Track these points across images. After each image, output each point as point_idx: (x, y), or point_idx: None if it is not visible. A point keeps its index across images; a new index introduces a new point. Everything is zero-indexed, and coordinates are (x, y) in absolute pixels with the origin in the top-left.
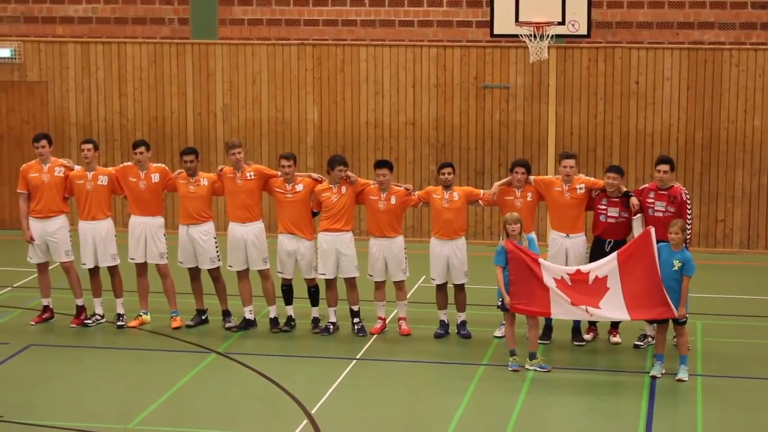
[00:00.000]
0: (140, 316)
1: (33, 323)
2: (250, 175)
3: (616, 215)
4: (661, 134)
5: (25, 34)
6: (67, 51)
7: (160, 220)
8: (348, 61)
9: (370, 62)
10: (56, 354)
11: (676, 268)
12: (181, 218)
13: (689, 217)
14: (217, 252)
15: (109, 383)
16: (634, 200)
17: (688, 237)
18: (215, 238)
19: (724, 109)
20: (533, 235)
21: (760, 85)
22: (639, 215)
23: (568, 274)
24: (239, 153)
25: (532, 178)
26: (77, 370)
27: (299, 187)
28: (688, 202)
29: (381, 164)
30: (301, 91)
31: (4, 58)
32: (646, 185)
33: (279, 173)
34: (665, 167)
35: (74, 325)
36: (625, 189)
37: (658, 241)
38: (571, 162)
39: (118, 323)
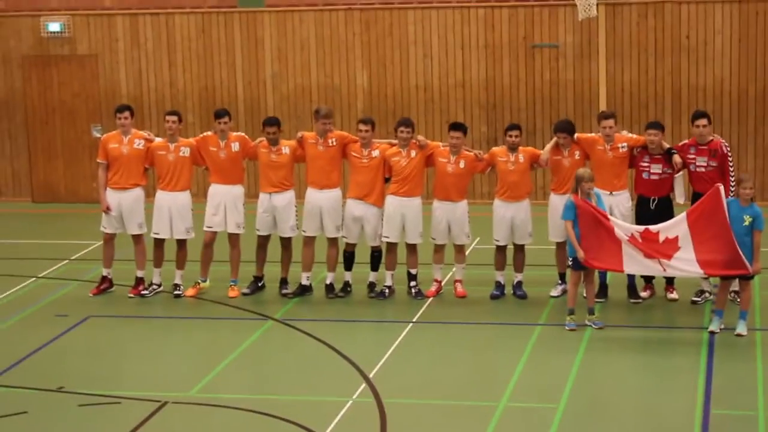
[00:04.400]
0: (198, 283)
1: (91, 294)
2: (332, 142)
3: (660, 172)
4: (714, 89)
5: (74, 8)
6: (116, 23)
7: (240, 189)
8: (396, 25)
9: (418, 25)
10: (115, 324)
11: (746, 223)
12: (263, 187)
13: (731, 170)
14: (297, 220)
15: (168, 352)
16: (677, 158)
17: (732, 189)
18: (296, 206)
19: None
20: (599, 190)
21: None
22: (681, 172)
23: (638, 231)
24: (330, 123)
25: (576, 136)
26: (136, 340)
27: (375, 153)
28: (729, 155)
29: (455, 126)
30: (349, 57)
31: (55, 32)
32: (686, 141)
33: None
34: (703, 121)
35: (132, 295)
36: (667, 145)
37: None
38: (610, 122)
39: (176, 293)
